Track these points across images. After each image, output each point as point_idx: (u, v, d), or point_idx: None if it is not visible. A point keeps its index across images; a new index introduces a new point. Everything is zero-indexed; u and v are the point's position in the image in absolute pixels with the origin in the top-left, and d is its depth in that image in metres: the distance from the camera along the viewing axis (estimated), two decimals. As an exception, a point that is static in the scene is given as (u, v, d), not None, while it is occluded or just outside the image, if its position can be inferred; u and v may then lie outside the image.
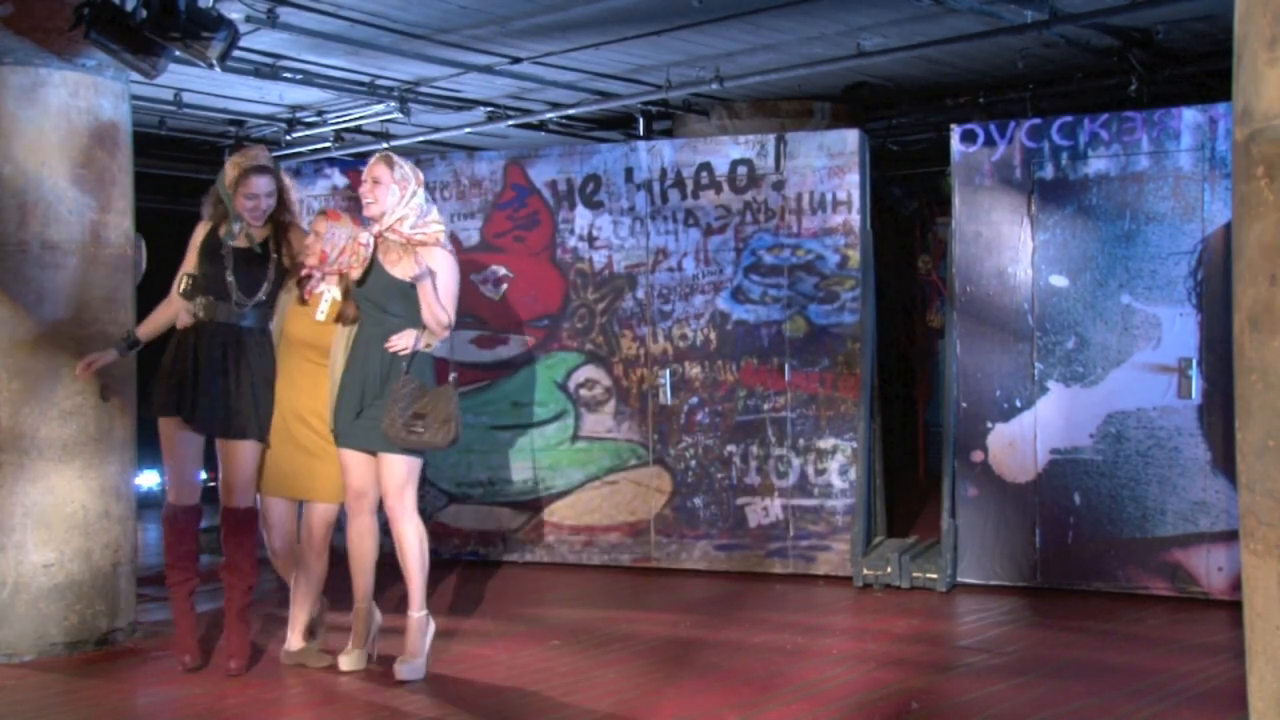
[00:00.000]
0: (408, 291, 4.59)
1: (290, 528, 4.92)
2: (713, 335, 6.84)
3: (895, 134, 9.20)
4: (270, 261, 4.83)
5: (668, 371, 6.91)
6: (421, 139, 9.11)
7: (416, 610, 4.69)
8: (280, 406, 4.78)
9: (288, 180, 5.01)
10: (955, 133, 6.38)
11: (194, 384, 4.70)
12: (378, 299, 4.64)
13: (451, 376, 4.67)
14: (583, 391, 7.10)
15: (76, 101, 5.27)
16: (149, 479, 10.29)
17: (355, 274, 4.62)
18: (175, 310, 4.88)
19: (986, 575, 6.25)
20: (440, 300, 4.59)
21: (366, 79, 7.69)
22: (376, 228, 4.63)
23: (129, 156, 5.48)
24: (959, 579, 6.26)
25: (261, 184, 4.75)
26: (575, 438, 7.09)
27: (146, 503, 8.09)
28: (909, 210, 10.77)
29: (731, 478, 6.78)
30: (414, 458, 4.66)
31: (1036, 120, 6.26)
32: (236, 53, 5.50)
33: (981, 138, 6.31)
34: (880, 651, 5.05)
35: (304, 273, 4.73)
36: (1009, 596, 6.05)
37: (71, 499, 5.22)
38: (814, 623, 5.65)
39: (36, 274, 5.17)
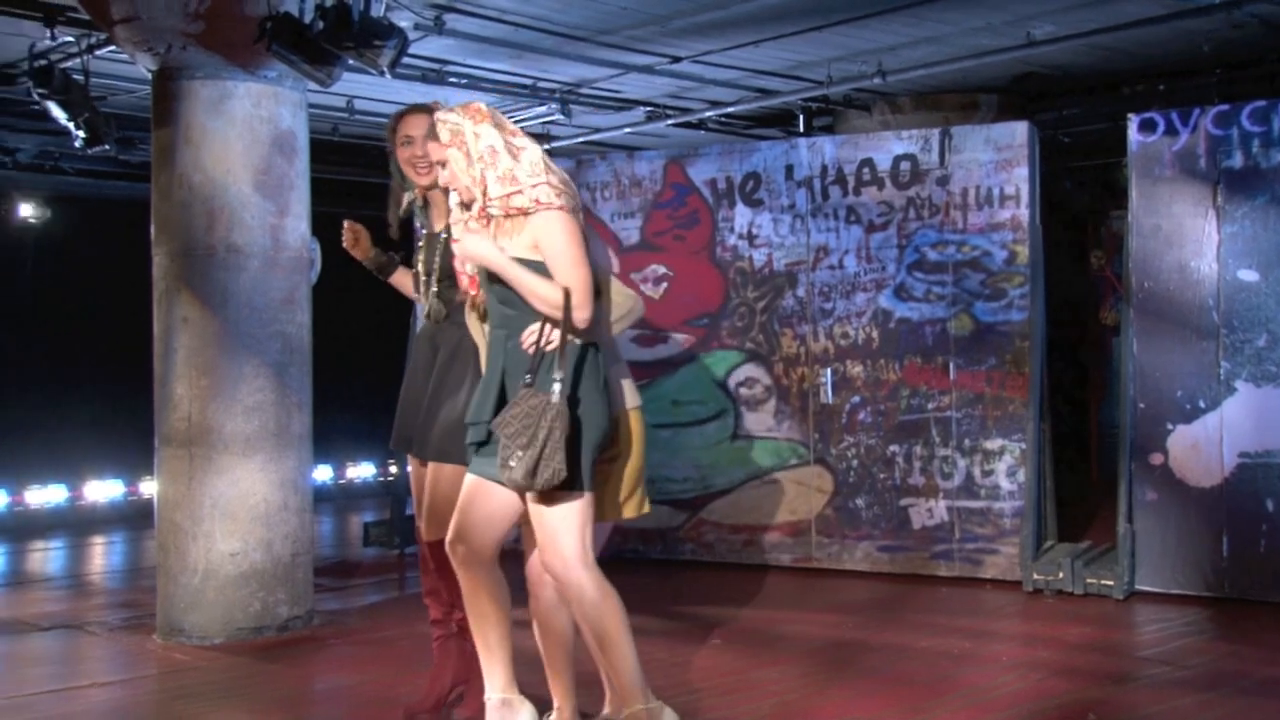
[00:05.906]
0: (533, 269, 3.40)
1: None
2: (875, 333, 6.72)
3: (1066, 125, 8.89)
4: None
5: (829, 370, 6.82)
6: (582, 140, 9.23)
7: None
8: None
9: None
10: (1133, 122, 6.11)
11: (427, 408, 3.87)
12: (500, 291, 3.49)
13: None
14: (743, 390, 7.07)
15: (259, 111, 5.51)
16: (322, 473, 10.74)
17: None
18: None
19: (1167, 583, 5.96)
20: (533, 275, 3.36)
21: (529, 82, 7.82)
22: (474, 208, 3.52)
23: (306, 163, 5.71)
24: (1136, 586, 5.99)
25: (420, 123, 3.89)
26: (735, 436, 7.07)
27: (320, 496, 8.41)
28: (1081, 204, 10.40)
29: (895, 478, 6.66)
30: (573, 494, 3.39)
31: (1224, 107, 5.94)
32: (405, 59, 5.67)
33: (1162, 126, 6.02)
34: (1052, 659, 4.88)
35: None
36: (1192, 606, 5.76)
37: (254, 491, 5.47)
38: (981, 627, 5.50)
39: (222, 276, 5.43)
